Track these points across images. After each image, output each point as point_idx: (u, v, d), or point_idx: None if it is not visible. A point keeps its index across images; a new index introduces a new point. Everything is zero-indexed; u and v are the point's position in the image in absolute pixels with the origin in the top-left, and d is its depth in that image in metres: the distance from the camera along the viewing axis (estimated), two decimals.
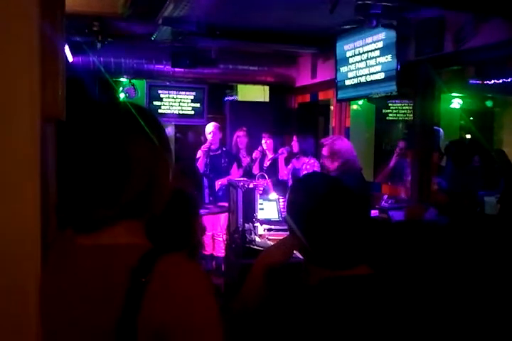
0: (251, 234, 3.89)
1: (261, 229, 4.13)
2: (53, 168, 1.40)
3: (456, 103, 7.49)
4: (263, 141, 6.34)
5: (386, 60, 5.35)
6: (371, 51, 5.60)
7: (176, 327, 0.98)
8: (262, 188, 4.68)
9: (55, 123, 1.55)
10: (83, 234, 1.07)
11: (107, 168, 1.04)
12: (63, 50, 1.74)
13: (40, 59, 1.22)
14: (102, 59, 6.59)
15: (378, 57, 5.48)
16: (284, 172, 5.97)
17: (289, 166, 5.93)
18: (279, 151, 6.11)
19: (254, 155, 6.35)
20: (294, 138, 5.86)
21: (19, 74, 1.18)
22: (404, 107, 7.60)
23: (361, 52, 5.80)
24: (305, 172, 5.62)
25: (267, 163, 6.24)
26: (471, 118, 8.43)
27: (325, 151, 4.49)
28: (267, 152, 6.29)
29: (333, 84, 6.42)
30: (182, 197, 1.74)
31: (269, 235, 4.07)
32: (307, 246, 1.40)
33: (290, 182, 5.75)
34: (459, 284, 2.71)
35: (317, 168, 5.62)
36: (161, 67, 6.97)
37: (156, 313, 0.97)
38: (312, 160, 5.72)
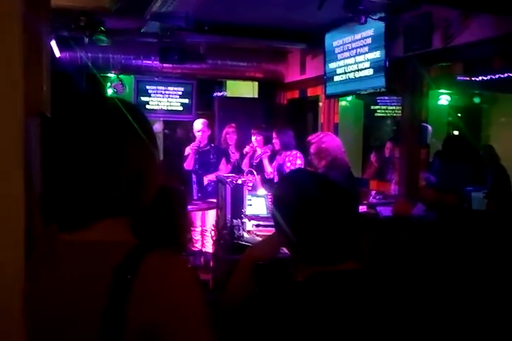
0: (239, 229, 3.89)
1: (249, 225, 4.12)
2: (38, 163, 1.38)
3: (444, 99, 7.52)
4: (253, 138, 6.32)
5: (374, 56, 5.36)
6: (360, 47, 5.61)
7: (163, 324, 0.97)
8: (250, 184, 4.68)
9: (39, 118, 1.53)
10: (69, 230, 1.06)
11: (94, 164, 1.03)
12: (48, 44, 1.72)
13: (23, 52, 1.20)
14: (89, 54, 6.55)
15: (367, 53, 5.49)
16: (270, 171, 5.95)
17: (274, 163, 5.92)
18: (262, 150, 6.09)
19: (245, 149, 6.33)
20: (274, 135, 5.85)
21: (0, 67, 1.16)
22: (392, 103, 7.62)
23: (350, 48, 5.81)
24: (288, 164, 5.63)
25: (256, 159, 6.22)
26: (459, 115, 8.47)
27: (312, 149, 4.48)
28: (257, 148, 6.27)
29: (322, 80, 6.43)
30: (169, 193, 1.73)
31: (258, 231, 4.07)
32: (294, 242, 1.40)
33: (276, 179, 5.75)
34: (446, 279, 2.73)
35: (300, 159, 5.62)
36: (149, 62, 6.95)
37: (143, 310, 0.96)
38: (294, 152, 5.72)
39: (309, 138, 4.61)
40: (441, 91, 7.22)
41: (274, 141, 5.87)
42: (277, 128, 6.01)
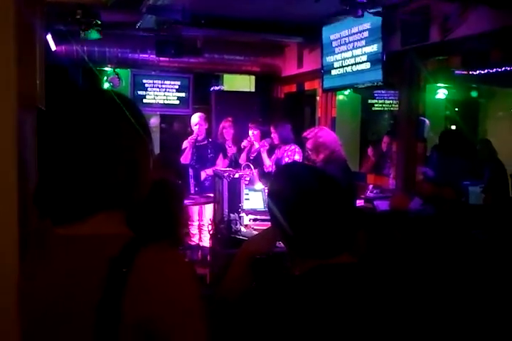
0: (236, 224, 3.89)
1: (246, 219, 4.12)
2: (32, 158, 1.37)
3: (442, 93, 7.50)
4: (250, 132, 6.32)
5: (372, 50, 5.34)
6: (357, 41, 5.59)
7: (158, 319, 0.96)
8: (247, 178, 4.67)
9: (35, 111, 1.52)
10: (63, 224, 1.05)
11: (89, 156, 1.02)
12: (43, 37, 1.71)
13: (17, 47, 1.19)
14: (85, 48, 6.51)
15: (364, 46, 5.47)
16: (268, 164, 5.96)
17: (273, 157, 5.93)
18: (261, 144, 6.09)
19: (243, 143, 6.33)
20: (272, 129, 5.84)
21: None
22: (389, 97, 7.61)
23: (347, 41, 5.79)
24: (286, 159, 5.63)
25: (254, 153, 6.23)
26: (456, 109, 8.46)
27: (309, 144, 4.47)
28: (254, 142, 6.27)
29: (319, 74, 6.41)
30: (165, 187, 1.73)
31: (255, 225, 4.07)
32: (291, 236, 1.39)
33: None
34: (442, 273, 2.73)
35: (299, 154, 5.63)
36: (146, 56, 6.92)
37: (138, 305, 0.95)
38: (293, 147, 5.72)
39: (304, 134, 4.60)
40: (439, 85, 7.21)
41: (272, 135, 5.87)
42: (275, 122, 6.00)
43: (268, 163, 5.96)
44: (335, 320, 1.26)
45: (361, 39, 5.51)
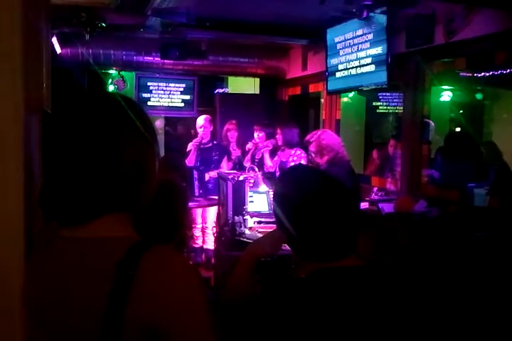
0: (241, 226, 3.89)
1: (251, 222, 4.12)
2: (38, 159, 1.37)
3: (447, 95, 7.49)
4: (255, 134, 6.32)
5: (376, 52, 5.33)
6: (361, 43, 5.58)
7: (164, 320, 0.97)
8: (252, 181, 4.67)
9: (40, 114, 1.52)
10: (69, 226, 1.06)
11: (95, 159, 1.02)
12: (49, 40, 1.71)
13: (23, 49, 1.19)
14: (90, 50, 6.54)
15: (368, 49, 5.46)
16: (270, 165, 5.96)
17: (276, 159, 5.93)
18: (264, 144, 6.10)
19: (248, 146, 6.33)
20: (278, 130, 5.84)
21: (1, 64, 1.15)
22: (394, 100, 7.60)
23: (351, 44, 5.78)
24: (292, 163, 5.62)
25: (259, 156, 6.23)
26: (461, 111, 8.43)
27: (313, 147, 4.47)
28: (260, 145, 6.28)
29: (324, 76, 6.41)
30: (170, 189, 1.73)
31: (259, 227, 4.07)
32: (296, 239, 1.39)
33: (278, 175, 5.74)
34: (446, 275, 2.72)
35: (304, 160, 5.61)
36: (151, 58, 6.94)
37: (144, 306, 0.96)
38: (299, 152, 5.72)
39: (307, 137, 4.61)
40: (444, 87, 7.19)
41: (277, 136, 5.87)
42: (282, 125, 5.99)
43: (269, 163, 5.96)
44: (336, 323, 1.26)
45: (366, 41, 5.50)
